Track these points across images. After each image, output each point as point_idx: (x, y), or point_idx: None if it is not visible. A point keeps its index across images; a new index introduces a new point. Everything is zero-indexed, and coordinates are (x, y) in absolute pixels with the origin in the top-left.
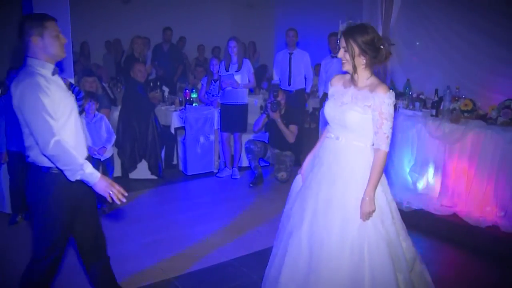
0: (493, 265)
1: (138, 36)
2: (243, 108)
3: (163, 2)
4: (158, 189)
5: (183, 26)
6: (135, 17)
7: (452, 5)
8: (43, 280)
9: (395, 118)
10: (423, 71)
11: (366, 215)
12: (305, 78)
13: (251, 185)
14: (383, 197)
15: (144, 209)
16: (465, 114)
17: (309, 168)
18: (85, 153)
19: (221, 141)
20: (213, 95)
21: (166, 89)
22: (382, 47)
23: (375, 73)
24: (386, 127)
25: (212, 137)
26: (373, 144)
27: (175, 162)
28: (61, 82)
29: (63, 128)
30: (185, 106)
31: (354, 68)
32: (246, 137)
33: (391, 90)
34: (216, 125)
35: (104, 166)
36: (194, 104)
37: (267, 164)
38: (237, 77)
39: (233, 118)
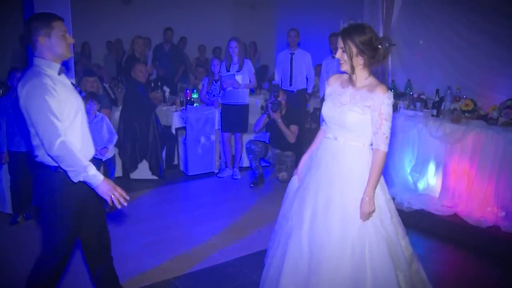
0: (493, 265)
1: (139, 36)
2: (244, 108)
3: (164, 2)
4: (159, 189)
5: (184, 27)
6: (136, 17)
7: (453, 5)
8: (50, 280)
9: (396, 118)
10: (424, 71)
11: (366, 215)
12: (307, 79)
13: (252, 185)
14: (382, 197)
15: (144, 209)
16: (466, 114)
17: (306, 168)
18: (92, 152)
19: (222, 141)
20: (214, 95)
21: (167, 90)
22: (380, 46)
23: (373, 72)
24: (386, 128)
25: (213, 137)
26: (371, 144)
27: (176, 162)
28: (67, 81)
29: (70, 128)
30: (186, 107)
31: (352, 68)
32: (247, 137)
33: (392, 90)
34: (217, 125)
35: (105, 166)
36: (195, 104)
37: (268, 164)
38: (238, 78)
39: (234, 118)
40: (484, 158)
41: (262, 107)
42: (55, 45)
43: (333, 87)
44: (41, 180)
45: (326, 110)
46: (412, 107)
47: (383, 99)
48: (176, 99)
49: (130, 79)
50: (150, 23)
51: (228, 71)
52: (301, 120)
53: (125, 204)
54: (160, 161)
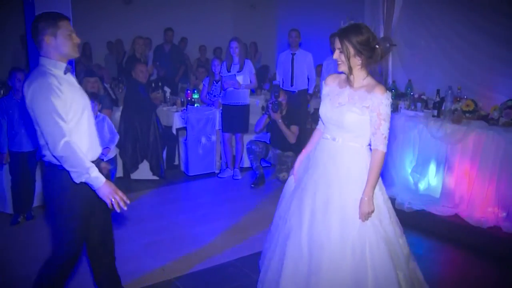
0: (494, 266)
1: (139, 36)
2: (245, 108)
3: (164, 2)
4: (159, 189)
5: (185, 27)
6: (137, 17)
7: (453, 5)
8: (59, 278)
9: (396, 118)
10: (425, 72)
11: (365, 216)
12: (308, 79)
13: (252, 185)
14: (380, 197)
15: (145, 210)
16: (467, 115)
17: (303, 169)
18: (99, 150)
19: (222, 141)
20: (214, 96)
21: (167, 90)
22: (377, 46)
23: (371, 72)
24: (384, 128)
25: (213, 138)
26: (369, 145)
27: (176, 162)
28: (73, 80)
29: (76, 126)
30: (186, 107)
31: (350, 69)
32: (247, 138)
33: (393, 90)
34: (217, 126)
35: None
36: (195, 105)
37: (269, 165)
38: (239, 78)
39: (234, 118)
40: (485, 159)
41: (262, 108)
42: (61, 44)
43: (330, 87)
44: (48, 179)
45: (324, 111)
46: (412, 107)
47: (381, 100)
48: (176, 99)
49: (130, 79)
50: (151, 23)
51: (228, 71)
52: (302, 121)
53: (125, 208)
54: (160, 162)
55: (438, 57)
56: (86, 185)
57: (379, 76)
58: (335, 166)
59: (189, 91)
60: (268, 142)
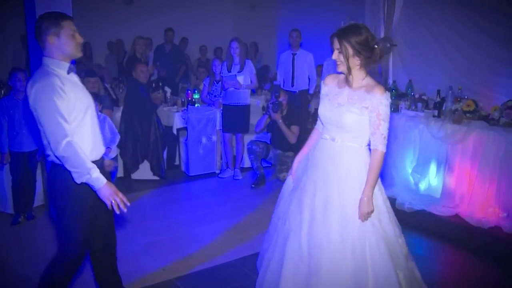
0: (495, 266)
1: (140, 36)
2: (245, 108)
3: (165, 3)
4: (160, 189)
5: (185, 27)
6: (137, 18)
7: (454, 5)
8: (63, 279)
9: (397, 119)
10: (425, 72)
11: (365, 216)
12: (309, 79)
13: (253, 186)
14: (380, 197)
15: (146, 210)
16: (467, 115)
17: (302, 169)
18: (103, 149)
19: (223, 141)
20: (215, 96)
21: (168, 90)
22: (376, 46)
23: (370, 73)
24: (384, 128)
25: (214, 138)
26: (368, 145)
27: (177, 162)
28: (76, 79)
29: (80, 126)
30: (187, 107)
31: (349, 69)
32: (248, 138)
33: (393, 90)
34: (218, 126)
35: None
36: (196, 105)
37: (269, 165)
38: (240, 78)
39: (235, 118)
40: (486, 159)
41: (263, 108)
42: (64, 44)
43: (329, 87)
44: (52, 179)
45: (323, 111)
46: (413, 107)
47: (381, 100)
48: (177, 99)
49: (131, 79)
50: (152, 23)
51: (229, 71)
52: (302, 121)
53: (125, 210)
54: (161, 162)
55: (438, 57)
56: (88, 186)
57: (378, 76)
58: (334, 166)
59: (189, 91)
60: (268, 142)
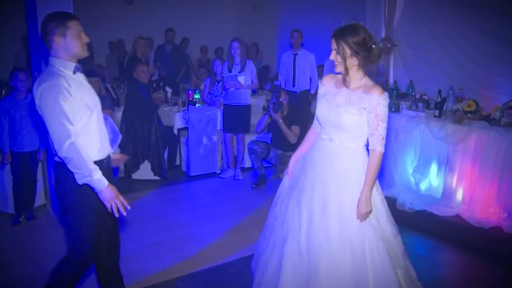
0: (496, 266)
1: (141, 37)
2: (246, 109)
3: (166, 3)
4: (160, 189)
5: (186, 27)
6: (138, 18)
7: (454, 5)
8: (73, 278)
9: (398, 119)
10: (426, 72)
11: (363, 216)
12: (310, 79)
13: (254, 186)
14: (378, 197)
15: (146, 210)
16: (468, 115)
17: (299, 169)
18: (108, 148)
19: (224, 142)
20: (216, 96)
21: (169, 90)
22: (374, 46)
23: (368, 73)
24: (382, 129)
25: (215, 138)
26: (365, 145)
27: (178, 162)
28: (82, 79)
29: (86, 126)
30: (188, 107)
31: (346, 70)
32: (249, 138)
33: (394, 91)
34: (219, 126)
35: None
36: (197, 105)
37: (270, 165)
38: (241, 78)
39: (236, 119)
40: (487, 159)
41: (264, 108)
42: (70, 44)
43: (327, 87)
44: (60, 178)
45: (321, 111)
46: (414, 107)
47: (379, 101)
48: (178, 99)
49: (132, 79)
50: (152, 23)
51: (230, 71)
52: (303, 121)
53: (124, 213)
54: (162, 162)
55: (439, 58)
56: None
57: (377, 77)
58: (332, 166)
59: (190, 91)
60: (269, 142)
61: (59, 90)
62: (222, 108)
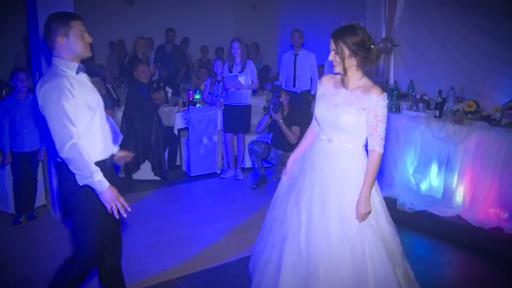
0: (496, 267)
1: (141, 37)
2: (247, 109)
3: (166, 3)
4: (161, 190)
5: (186, 27)
6: (139, 18)
7: (455, 5)
8: (77, 278)
9: (398, 119)
10: (427, 72)
11: (362, 216)
12: (311, 79)
13: (254, 186)
14: (376, 198)
15: (147, 210)
16: (469, 115)
17: (298, 170)
18: (112, 148)
19: (224, 142)
20: (216, 96)
21: (169, 90)
22: (372, 46)
23: (367, 73)
24: (381, 129)
25: (215, 138)
26: (364, 146)
27: (178, 163)
28: (86, 79)
29: (89, 126)
30: (188, 107)
31: (344, 70)
32: (249, 138)
33: (394, 91)
34: (219, 126)
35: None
36: (197, 105)
37: (271, 165)
38: (241, 78)
39: (236, 119)
40: (487, 160)
41: (264, 108)
42: (73, 44)
43: (325, 87)
44: (64, 179)
45: (320, 111)
46: (414, 108)
47: (378, 101)
48: (178, 99)
49: (132, 79)
50: (153, 23)
51: (230, 72)
52: (303, 121)
53: (125, 215)
54: (162, 162)
55: (440, 58)
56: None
57: (378, 77)
58: (331, 167)
59: (190, 92)
60: (270, 142)
61: (61, 91)
62: (223, 108)
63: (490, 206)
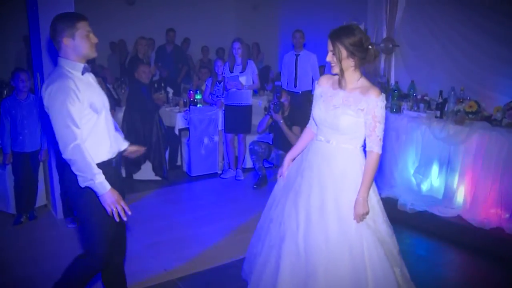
0: (497, 267)
1: (142, 37)
2: (247, 109)
3: (167, 3)
4: (162, 190)
5: (187, 27)
6: (139, 18)
7: (455, 6)
8: (86, 277)
9: (399, 119)
10: (427, 72)
11: (360, 217)
12: (312, 80)
13: (255, 186)
14: (374, 198)
15: (147, 210)
16: (470, 116)
17: (295, 170)
18: (118, 147)
19: (225, 142)
20: (217, 96)
21: (170, 90)
22: (370, 47)
23: (365, 74)
24: (379, 130)
25: (216, 138)
26: (362, 146)
27: (179, 163)
28: (91, 79)
29: (95, 127)
30: (189, 107)
31: (341, 71)
32: (250, 138)
33: (395, 91)
34: (220, 126)
35: None
36: (198, 105)
37: (271, 166)
38: (242, 79)
39: (237, 119)
40: (488, 160)
41: (265, 108)
42: (78, 45)
43: (323, 87)
44: (69, 179)
45: (318, 112)
46: (415, 108)
47: (376, 102)
48: (179, 100)
49: (133, 80)
50: (154, 24)
51: (231, 72)
52: (304, 122)
53: (125, 219)
54: (163, 162)
55: (440, 58)
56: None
57: (378, 77)
58: (329, 168)
59: (191, 92)
60: (270, 142)
61: (67, 92)
62: (224, 108)
63: (491, 207)
